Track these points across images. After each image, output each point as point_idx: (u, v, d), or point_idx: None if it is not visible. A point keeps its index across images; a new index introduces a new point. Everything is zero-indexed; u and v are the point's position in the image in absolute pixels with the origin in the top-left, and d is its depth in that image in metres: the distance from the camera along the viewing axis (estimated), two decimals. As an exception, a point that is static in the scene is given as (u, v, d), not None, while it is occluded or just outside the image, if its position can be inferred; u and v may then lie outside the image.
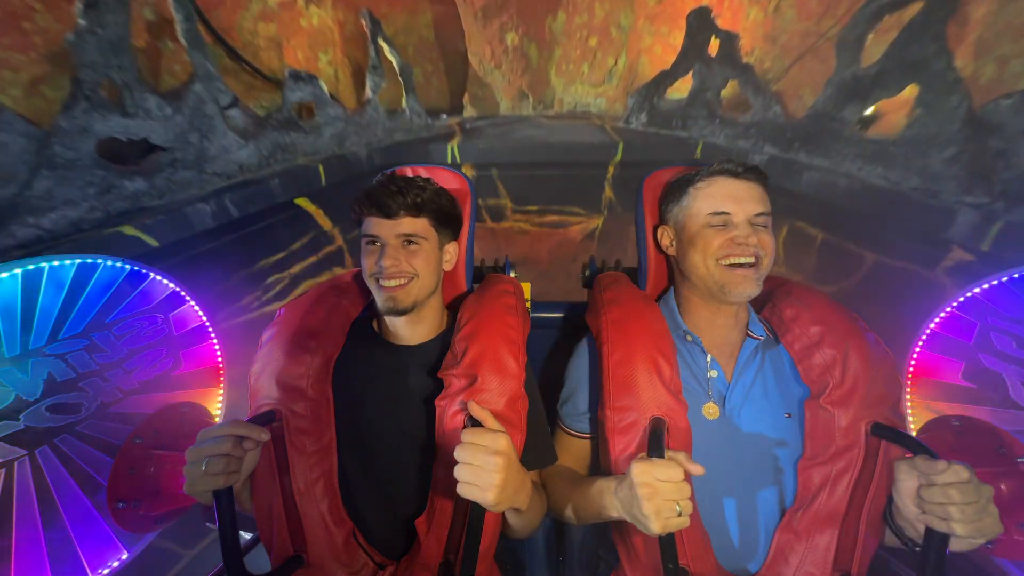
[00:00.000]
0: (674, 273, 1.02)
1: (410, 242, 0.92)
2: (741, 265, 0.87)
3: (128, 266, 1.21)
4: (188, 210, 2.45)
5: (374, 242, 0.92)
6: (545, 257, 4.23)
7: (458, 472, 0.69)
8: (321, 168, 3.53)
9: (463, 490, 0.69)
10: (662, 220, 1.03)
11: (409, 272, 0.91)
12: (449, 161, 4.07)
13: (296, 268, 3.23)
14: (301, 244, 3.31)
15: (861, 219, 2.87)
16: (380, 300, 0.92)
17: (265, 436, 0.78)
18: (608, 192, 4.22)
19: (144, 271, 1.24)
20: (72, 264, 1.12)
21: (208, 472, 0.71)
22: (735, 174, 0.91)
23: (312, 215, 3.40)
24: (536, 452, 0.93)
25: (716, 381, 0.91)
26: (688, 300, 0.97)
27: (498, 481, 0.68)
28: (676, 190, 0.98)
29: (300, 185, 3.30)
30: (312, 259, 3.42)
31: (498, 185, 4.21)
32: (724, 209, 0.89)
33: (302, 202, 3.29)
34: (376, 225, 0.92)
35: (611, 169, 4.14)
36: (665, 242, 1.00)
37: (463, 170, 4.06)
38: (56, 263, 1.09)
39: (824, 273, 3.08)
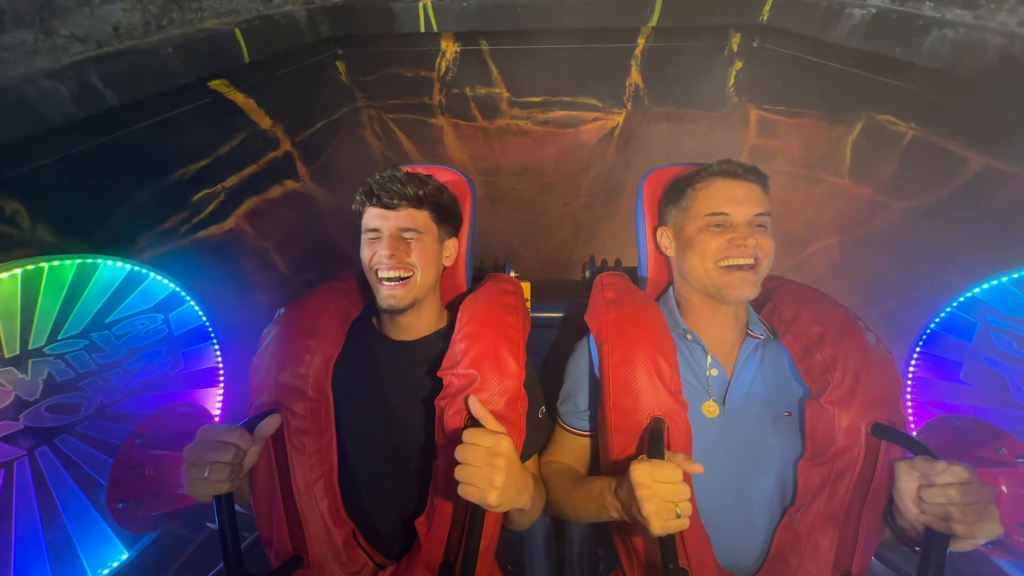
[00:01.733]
0: (673, 273, 1.03)
1: (411, 234, 0.92)
2: (740, 267, 0.87)
3: (128, 266, 1.21)
4: (29, 89, 1.49)
5: (374, 234, 0.92)
6: (551, 166, 3.18)
7: (459, 473, 0.69)
8: (240, 35, 2.33)
9: (464, 491, 0.69)
10: (661, 221, 1.03)
11: (410, 265, 0.91)
12: (423, 29, 2.88)
13: (231, 180, 2.33)
14: (231, 147, 2.32)
15: (990, 104, 1.86)
16: (380, 297, 0.92)
17: (271, 423, 0.81)
18: (635, 75, 2.92)
19: (144, 271, 1.24)
20: (72, 264, 1.12)
21: (210, 479, 0.71)
22: (734, 175, 0.91)
23: (240, 106, 2.34)
24: (532, 441, 0.94)
25: (716, 380, 0.91)
26: (687, 300, 0.97)
27: (499, 482, 0.68)
28: (675, 191, 0.98)
29: (210, 60, 2.21)
30: (251, 168, 2.43)
31: (490, 66, 2.99)
32: (723, 210, 0.89)
33: (220, 87, 2.23)
34: (377, 216, 0.92)
35: (641, 41, 2.85)
36: (664, 243, 1.01)
37: (442, 41, 2.94)
38: (56, 263, 1.10)
39: (905, 182, 2.25)
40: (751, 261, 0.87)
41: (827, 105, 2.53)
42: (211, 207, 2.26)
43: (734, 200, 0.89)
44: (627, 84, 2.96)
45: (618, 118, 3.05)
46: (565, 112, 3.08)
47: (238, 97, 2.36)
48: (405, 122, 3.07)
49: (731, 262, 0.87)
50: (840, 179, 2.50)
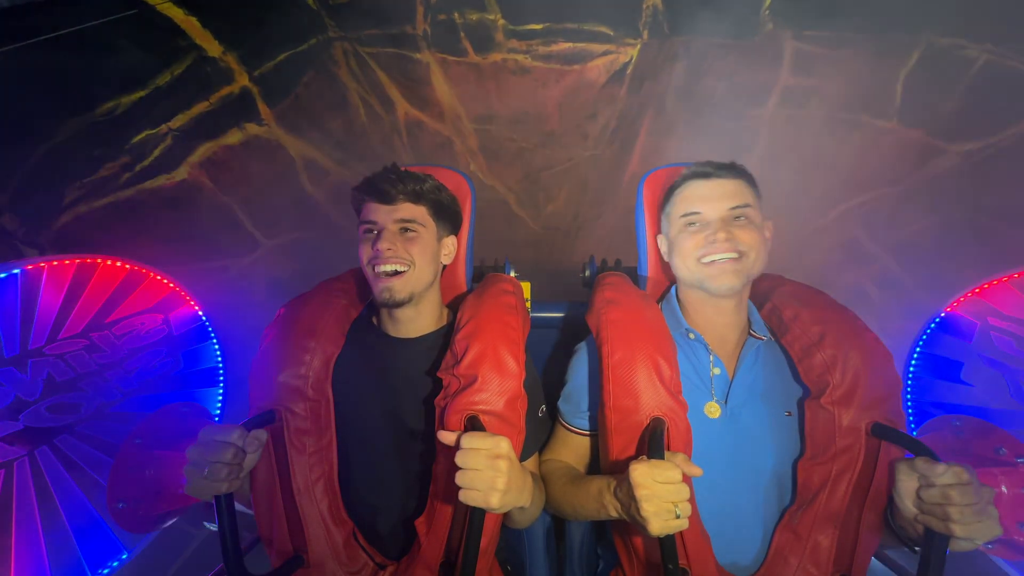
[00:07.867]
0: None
1: (408, 229, 0.92)
2: (719, 261, 0.88)
3: (128, 266, 1.21)
4: None
5: (372, 229, 0.92)
6: (553, 112, 2.74)
7: (460, 479, 0.68)
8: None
9: (466, 496, 0.68)
10: (660, 229, 1.03)
11: (406, 259, 0.90)
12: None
13: (178, 120, 1.96)
14: (172, 77, 1.93)
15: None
16: (376, 291, 0.91)
17: (264, 436, 0.79)
18: (654, -6, 2.48)
19: (144, 271, 1.24)
20: (72, 264, 1.12)
21: (210, 478, 0.71)
22: (706, 175, 0.93)
23: (179, 25, 1.91)
24: (532, 441, 0.94)
25: (719, 379, 0.91)
26: (689, 300, 0.98)
27: (501, 485, 0.68)
28: (664, 198, 1.01)
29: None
30: (201, 106, 2.05)
31: (483, -18, 2.50)
32: (695, 209, 0.91)
33: (151, -5, 1.66)
34: (374, 211, 0.92)
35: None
36: (663, 249, 1.02)
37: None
38: (56, 263, 1.10)
39: (968, 120, 1.99)
40: (733, 255, 0.87)
41: (880, 29, 2.20)
42: (156, 152, 1.92)
43: (705, 199, 0.91)
44: (644, 6, 2.52)
45: (632, 51, 2.59)
46: (570, 44, 2.63)
47: (176, 14, 1.93)
48: (385, 58, 2.60)
49: (710, 258, 0.88)
50: (887, 122, 2.24)
